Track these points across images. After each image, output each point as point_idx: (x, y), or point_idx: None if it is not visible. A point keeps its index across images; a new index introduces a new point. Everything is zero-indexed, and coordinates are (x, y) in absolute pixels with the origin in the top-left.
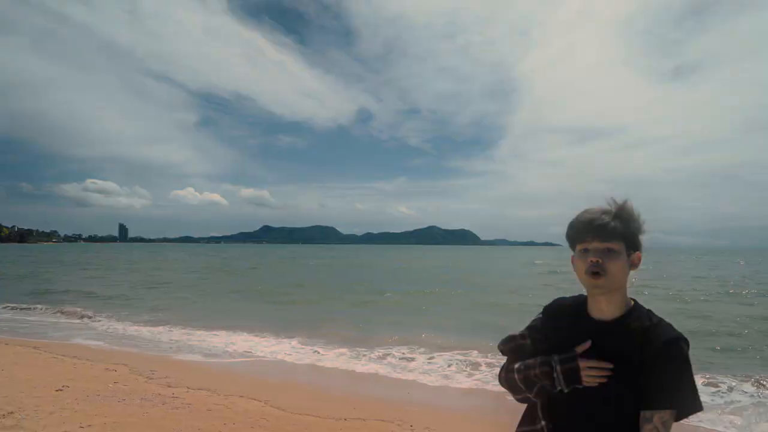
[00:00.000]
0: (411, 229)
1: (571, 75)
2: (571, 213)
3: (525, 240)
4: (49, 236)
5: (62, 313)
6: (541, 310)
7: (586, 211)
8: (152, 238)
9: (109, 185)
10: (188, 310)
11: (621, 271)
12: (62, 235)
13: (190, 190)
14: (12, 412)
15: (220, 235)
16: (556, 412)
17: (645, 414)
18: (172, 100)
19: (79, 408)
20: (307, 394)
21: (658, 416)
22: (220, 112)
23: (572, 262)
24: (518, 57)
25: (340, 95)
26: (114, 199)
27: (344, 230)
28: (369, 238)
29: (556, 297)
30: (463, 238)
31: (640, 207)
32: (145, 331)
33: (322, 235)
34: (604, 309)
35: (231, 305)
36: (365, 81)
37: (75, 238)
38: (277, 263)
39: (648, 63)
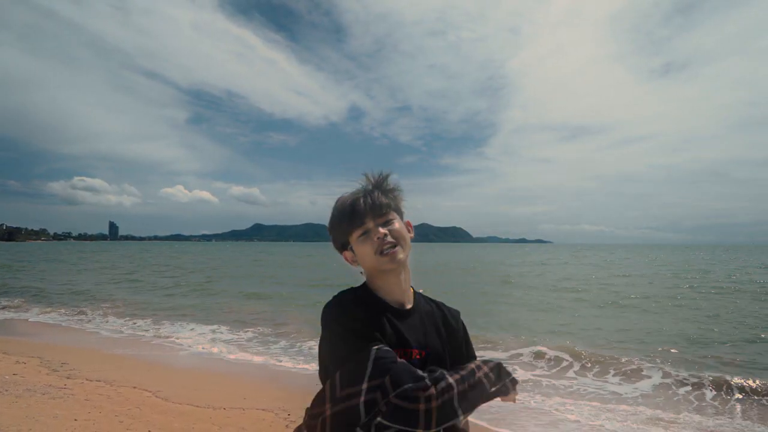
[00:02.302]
0: None
1: (561, 72)
2: (563, 210)
3: (517, 237)
4: (39, 234)
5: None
6: (336, 313)
7: (345, 199)
8: (143, 236)
9: (98, 183)
10: (129, 304)
11: (407, 237)
12: (52, 233)
13: (180, 188)
14: None
15: (212, 233)
16: None
17: None
18: (162, 97)
19: None
20: (200, 384)
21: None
22: (211, 110)
23: (347, 258)
24: (509, 54)
25: (331, 92)
26: (103, 196)
27: None
28: None
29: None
30: (455, 235)
31: (630, 204)
32: (91, 325)
33: (313, 233)
34: (403, 290)
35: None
36: (356, 78)
37: (65, 237)
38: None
39: (637, 60)
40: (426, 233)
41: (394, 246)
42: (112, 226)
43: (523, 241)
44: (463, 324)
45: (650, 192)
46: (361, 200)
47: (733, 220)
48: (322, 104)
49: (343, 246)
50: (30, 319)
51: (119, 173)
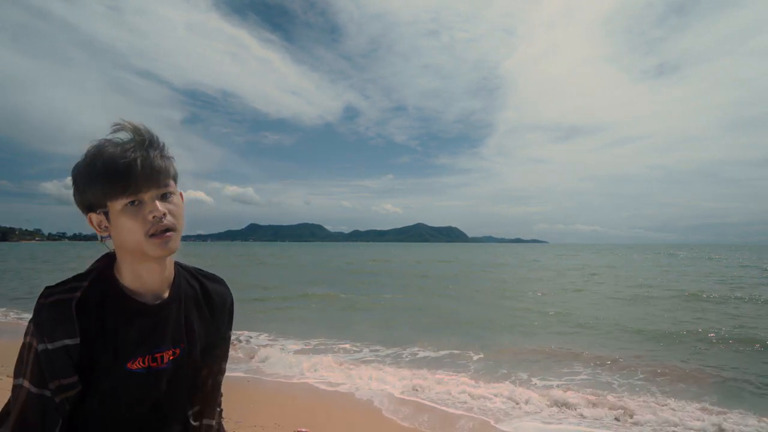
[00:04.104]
0: (399, 226)
1: (555, 72)
2: (557, 210)
3: (512, 237)
4: (33, 234)
5: None
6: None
7: (112, 152)
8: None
9: None
10: None
11: (183, 217)
12: (46, 233)
13: None
14: None
15: (207, 234)
16: None
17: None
18: (157, 97)
19: None
20: None
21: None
22: (206, 110)
23: (91, 222)
24: (503, 54)
25: (326, 92)
26: None
27: (331, 228)
28: (356, 236)
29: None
30: (450, 235)
31: (624, 204)
32: None
33: (309, 232)
34: (163, 277)
35: None
36: (351, 78)
37: (59, 237)
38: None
39: (631, 61)
40: (421, 233)
41: (170, 230)
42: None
43: (518, 241)
44: (232, 305)
45: (644, 192)
46: (139, 161)
47: (726, 220)
48: (317, 104)
49: (90, 207)
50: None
51: None
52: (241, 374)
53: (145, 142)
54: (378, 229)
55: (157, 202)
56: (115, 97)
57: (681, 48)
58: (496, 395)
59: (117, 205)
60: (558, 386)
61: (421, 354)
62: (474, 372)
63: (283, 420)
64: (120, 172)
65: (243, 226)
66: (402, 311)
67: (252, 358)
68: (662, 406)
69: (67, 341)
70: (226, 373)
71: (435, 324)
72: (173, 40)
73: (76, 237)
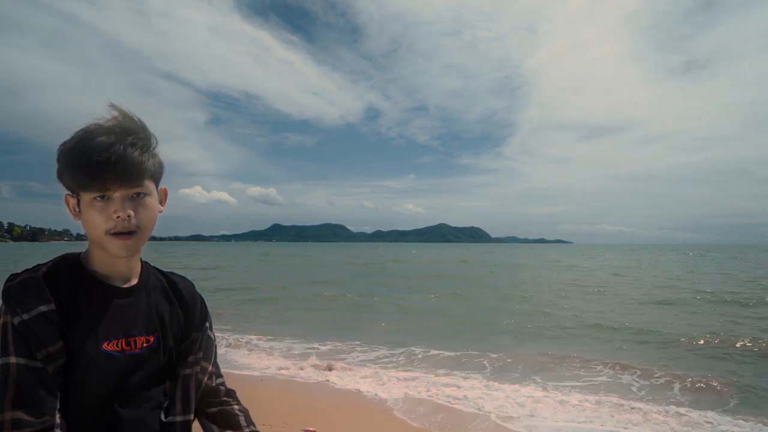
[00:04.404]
0: (421, 226)
1: (579, 71)
2: (582, 210)
3: (536, 237)
4: (62, 235)
5: None
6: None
7: (92, 141)
8: (163, 236)
9: None
10: None
11: (153, 221)
12: (75, 234)
13: (198, 188)
14: None
15: (231, 234)
16: None
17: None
18: (181, 99)
19: None
20: None
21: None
22: (229, 111)
23: (67, 203)
24: (525, 53)
25: (347, 93)
26: None
27: (354, 228)
28: (379, 236)
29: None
30: (473, 235)
31: (651, 203)
32: None
33: (331, 233)
34: (129, 266)
35: None
36: (372, 78)
37: (86, 237)
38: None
39: (657, 58)
40: (444, 233)
41: (132, 233)
42: None
43: (542, 241)
44: (203, 302)
45: (671, 191)
46: (113, 157)
47: (758, 220)
48: (339, 105)
49: (68, 189)
50: None
51: None
52: (256, 373)
53: (128, 135)
54: (400, 229)
55: (125, 203)
56: (141, 99)
57: (709, 45)
58: (509, 396)
59: (87, 197)
60: (573, 389)
61: (435, 355)
62: (488, 373)
63: (291, 419)
64: (93, 165)
65: (266, 227)
66: (416, 312)
67: (268, 357)
68: (680, 414)
69: (43, 308)
70: (238, 372)
71: (449, 324)
72: (196, 42)
73: None
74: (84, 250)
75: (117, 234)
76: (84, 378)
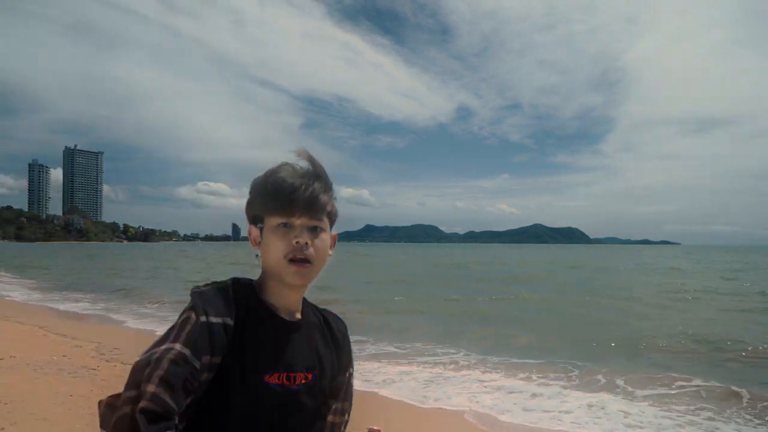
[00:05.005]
0: (515, 227)
1: (685, 60)
2: (691, 209)
3: (639, 238)
4: (170, 235)
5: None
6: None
7: (286, 174)
8: None
9: (221, 187)
10: None
11: (325, 256)
12: (182, 234)
13: None
14: None
15: None
16: None
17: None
18: (277, 105)
19: None
20: None
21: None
22: (322, 115)
23: (250, 233)
24: (625, 45)
25: (438, 93)
26: (225, 200)
27: (446, 229)
28: (471, 237)
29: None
30: (570, 236)
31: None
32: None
33: (423, 233)
34: (295, 302)
35: None
36: (463, 78)
37: (193, 237)
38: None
39: None
40: (539, 234)
41: (308, 261)
42: (234, 228)
43: (646, 242)
44: (349, 342)
45: None
46: (302, 188)
47: None
48: (430, 105)
49: (254, 219)
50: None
51: (239, 178)
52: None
53: (314, 174)
54: (493, 230)
55: (305, 232)
56: (240, 106)
57: None
58: (601, 412)
59: (271, 222)
60: (671, 410)
61: (516, 363)
62: (578, 386)
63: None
64: (283, 191)
65: (359, 228)
66: (503, 318)
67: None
68: None
69: (228, 320)
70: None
71: (533, 331)
72: (290, 49)
73: (208, 238)
74: (255, 278)
75: (294, 261)
76: (239, 404)
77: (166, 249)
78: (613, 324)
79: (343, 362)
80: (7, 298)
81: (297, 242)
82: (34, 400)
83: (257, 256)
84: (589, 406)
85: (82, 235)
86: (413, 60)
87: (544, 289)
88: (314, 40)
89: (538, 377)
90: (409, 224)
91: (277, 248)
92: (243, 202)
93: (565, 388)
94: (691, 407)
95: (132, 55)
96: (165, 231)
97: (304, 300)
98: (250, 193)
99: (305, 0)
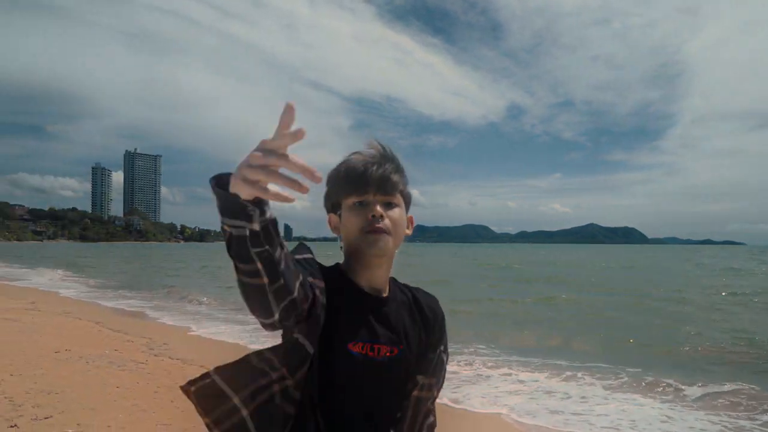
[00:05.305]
0: (568, 227)
1: (750, 52)
2: (758, 207)
3: (701, 238)
4: None
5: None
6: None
7: (356, 159)
8: (313, 237)
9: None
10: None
11: (402, 230)
12: None
13: None
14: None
15: None
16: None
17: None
18: (327, 107)
19: (42, 364)
20: None
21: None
22: (372, 115)
23: (330, 222)
24: (684, 37)
25: (488, 92)
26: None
27: (497, 229)
28: (523, 237)
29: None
30: (627, 236)
31: None
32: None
33: (474, 233)
34: (379, 280)
35: None
36: (515, 75)
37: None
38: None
39: None
40: (594, 234)
41: (384, 231)
42: (287, 228)
43: (708, 242)
44: (442, 316)
45: None
46: (373, 167)
47: None
48: (480, 104)
49: (332, 207)
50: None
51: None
52: None
53: (385, 157)
54: (546, 229)
55: (378, 206)
56: None
57: None
58: (637, 415)
59: (347, 202)
60: (714, 416)
61: (553, 365)
62: (616, 389)
63: None
64: (357, 173)
65: None
66: (542, 319)
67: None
68: None
69: (318, 282)
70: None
71: (571, 333)
72: (341, 51)
73: None
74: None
75: (369, 232)
76: (319, 368)
77: (220, 249)
78: (658, 326)
79: (434, 339)
80: (68, 296)
81: (372, 216)
82: (82, 391)
83: (341, 246)
84: (624, 410)
85: (142, 235)
86: (463, 58)
87: (588, 290)
88: (364, 42)
89: (575, 380)
90: (460, 224)
91: (353, 224)
92: (294, 203)
93: (605, 389)
94: (733, 414)
95: (188, 60)
96: (219, 231)
97: (392, 279)
98: (327, 185)
99: (356, 2)
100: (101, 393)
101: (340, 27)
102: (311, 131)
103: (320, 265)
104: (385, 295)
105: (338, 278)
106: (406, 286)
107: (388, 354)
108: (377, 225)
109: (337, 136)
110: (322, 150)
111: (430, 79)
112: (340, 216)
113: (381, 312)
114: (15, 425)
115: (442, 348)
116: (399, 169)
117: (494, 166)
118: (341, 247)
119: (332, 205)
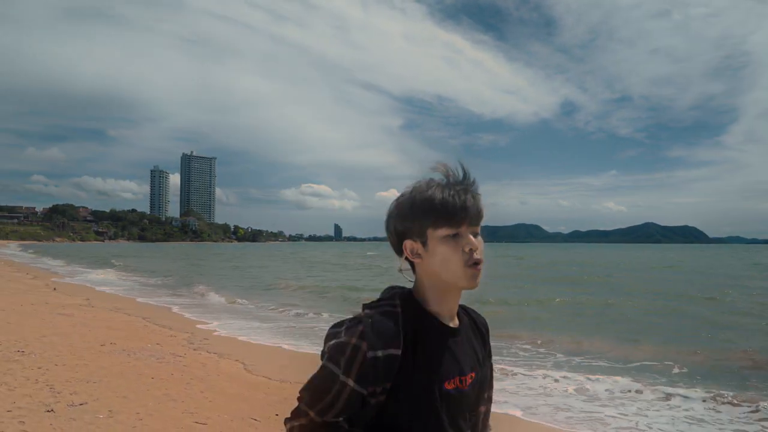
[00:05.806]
0: (624, 226)
1: None
2: None
3: (767, 237)
4: (276, 236)
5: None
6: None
7: (441, 189)
8: (363, 237)
9: (323, 189)
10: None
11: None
12: (287, 234)
13: (394, 191)
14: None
15: None
16: None
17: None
18: (378, 107)
19: (85, 356)
20: (297, 364)
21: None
22: (422, 115)
23: (405, 248)
24: (751, 27)
25: (541, 89)
26: (327, 201)
27: (549, 228)
28: (576, 236)
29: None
30: (686, 235)
31: None
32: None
33: (525, 233)
34: (455, 308)
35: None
36: (568, 71)
37: (298, 238)
38: None
39: None
40: (651, 233)
41: (479, 264)
42: (337, 228)
43: None
44: (489, 331)
45: None
46: (468, 200)
47: None
48: (532, 101)
49: (405, 234)
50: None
51: (341, 179)
52: None
53: (471, 184)
54: (600, 229)
55: (472, 238)
56: (342, 110)
57: None
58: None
59: (439, 233)
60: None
61: (585, 366)
62: (647, 393)
63: None
64: (452, 206)
65: None
66: (576, 320)
67: None
68: None
69: (393, 351)
70: None
71: (604, 335)
72: (392, 51)
73: (311, 238)
74: (410, 287)
75: (470, 266)
76: (428, 415)
77: (276, 248)
78: (687, 328)
79: (488, 352)
80: (120, 293)
81: (470, 249)
82: (119, 380)
83: (400, 269)
84: (636, 412)
85: (197, 235)
86: (515, 55)
87: (628, 290)
88: (415, 41)
89: (587, 381)
90: (511, 224)
91: (453, 258)
92: (344, 203)
93: (616, 391)
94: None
95: (241, 64)
96: (272, 232)
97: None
98: (400, 209)
99: (407, 2)
100: (135, 382)
101: (391, 27)
102: (361, 132)
103: (404, 316)
104: (456, 321)
105: (421, 315)
106: (461, 306)
107: (470, 380)
108: (477, 258)
109: (387, 136)
110: (374, 150)
111: (480, 77)
112: (423, 244)
113: (460, 341)
114: (51, 410)
115: (491, 359)
116: (479, 194)
117: (546, 164)
118: (400, 270)
119: (409, 231)
